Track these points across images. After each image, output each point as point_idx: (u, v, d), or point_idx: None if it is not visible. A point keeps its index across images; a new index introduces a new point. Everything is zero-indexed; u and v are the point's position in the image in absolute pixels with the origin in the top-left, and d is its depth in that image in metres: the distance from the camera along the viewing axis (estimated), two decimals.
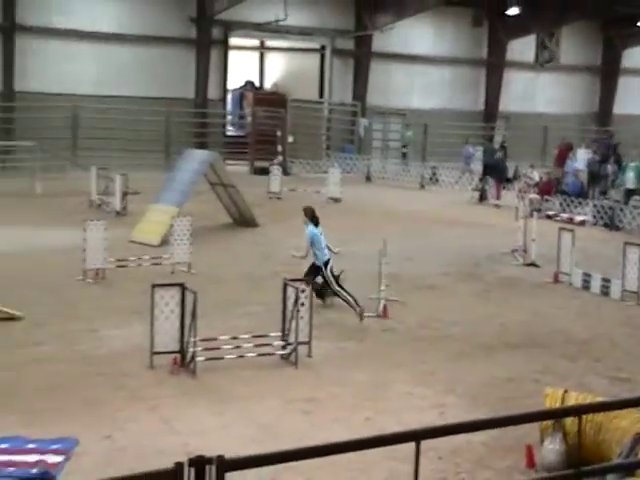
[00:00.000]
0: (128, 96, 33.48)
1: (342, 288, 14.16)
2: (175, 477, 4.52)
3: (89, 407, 9.99)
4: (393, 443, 5.67)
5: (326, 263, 14.09)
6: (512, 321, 14.37)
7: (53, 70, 32.66)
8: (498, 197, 28.41)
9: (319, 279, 14.20)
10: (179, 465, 4.52)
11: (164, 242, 18.33)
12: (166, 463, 8.48)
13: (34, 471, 8.24)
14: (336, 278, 14.24)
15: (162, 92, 34.28)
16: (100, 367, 11.34)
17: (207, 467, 4.53)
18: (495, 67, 42.37)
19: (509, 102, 42.70)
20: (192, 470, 4.52)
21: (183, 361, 11.15)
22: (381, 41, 38.82)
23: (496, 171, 29.28)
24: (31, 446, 8.76)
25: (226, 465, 4.55)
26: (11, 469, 8.30)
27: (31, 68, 32.33)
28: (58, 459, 8.51)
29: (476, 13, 41.46)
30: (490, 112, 42.34)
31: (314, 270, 14.20)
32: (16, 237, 19.61)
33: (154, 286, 11.30)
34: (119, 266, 16.52)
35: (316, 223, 14.29)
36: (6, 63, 31.99)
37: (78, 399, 10.23)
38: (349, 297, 13.96)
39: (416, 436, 5.39)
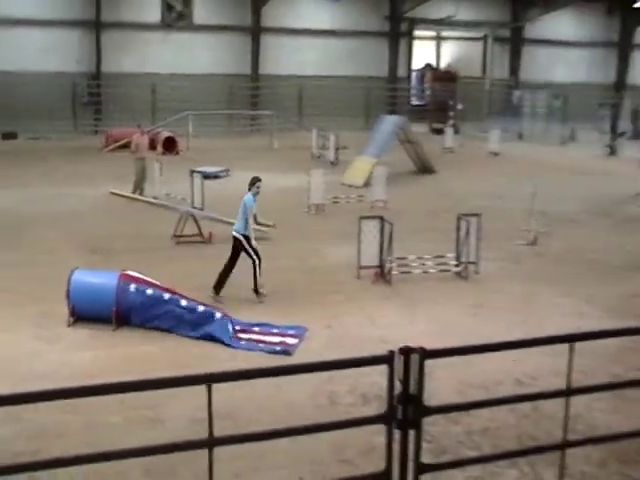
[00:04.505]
0: (339, 76, 33.34)
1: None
2: (389, 360, 4.48)
3: (315, 305, 10.18)
4: (550, 343, 5.41)
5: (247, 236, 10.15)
6: (638, 249, 13.42)
7: (285, 58, 32.97)
8: None
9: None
10: (392, 352, 4.48)
11: (367, 184, 18.27)
12: (371, 348, 8.46)
13: (277, 349, 8.52)
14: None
15: (363, 72, 33.97)
16: (322, 276, 11.50)
17: (412, 355, 4.48)
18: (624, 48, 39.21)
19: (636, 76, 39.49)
20: (401, 357, 4.48)
21: (382, 274, 11.14)
22: (532, 30, 36.82)
23: None
24: (275, 330, 9.05)
25: (427, 354, 4.49)
26: (262, 345, 8.63)
27: (269, 57, 32.77)
28: (294, 341, 8.75)
29: (610, 4, 38.29)
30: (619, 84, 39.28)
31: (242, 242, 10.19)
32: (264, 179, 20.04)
33: (361, 218, 11.30)
34: (333, 202, 16.63)
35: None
36: (253, 55, 32.56)
37: (307, 299, 10.45)
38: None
39: (571, 339, 5.13)
